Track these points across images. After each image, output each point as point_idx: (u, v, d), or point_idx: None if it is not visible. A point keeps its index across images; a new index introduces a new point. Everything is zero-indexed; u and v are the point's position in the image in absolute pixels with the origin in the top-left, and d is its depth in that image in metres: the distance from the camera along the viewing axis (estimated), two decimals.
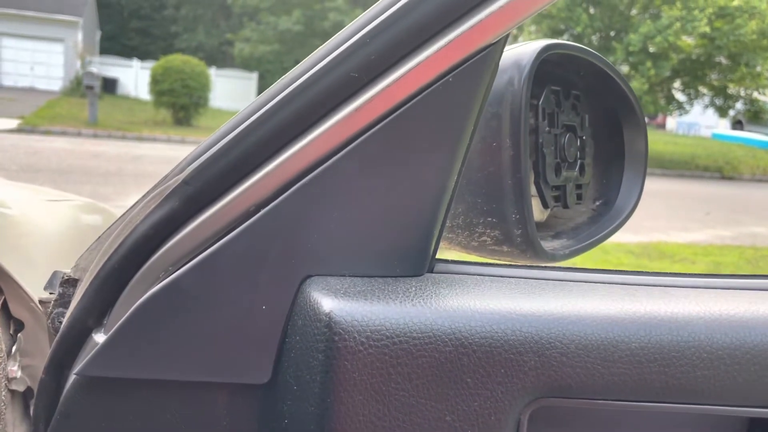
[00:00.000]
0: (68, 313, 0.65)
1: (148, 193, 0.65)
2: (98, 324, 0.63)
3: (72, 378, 0.60)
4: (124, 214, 0.69)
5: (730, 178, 15.97)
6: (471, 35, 0.55)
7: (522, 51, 0.71)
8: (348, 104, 0.56)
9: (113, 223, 0.71)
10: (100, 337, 0.61)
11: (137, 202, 0.66)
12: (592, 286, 0.61)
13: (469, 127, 0.58)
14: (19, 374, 0.86)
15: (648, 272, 0.64)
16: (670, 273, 0.65)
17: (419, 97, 0.55)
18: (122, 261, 0.61)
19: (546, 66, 0.74)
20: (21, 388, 0.86)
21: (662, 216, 8.35)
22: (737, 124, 25.10)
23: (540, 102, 0.78)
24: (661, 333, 0.52)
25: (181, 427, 0.59)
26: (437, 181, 0.58)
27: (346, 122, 0.56)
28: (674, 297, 0.58)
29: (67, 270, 0.74)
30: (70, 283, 0.72)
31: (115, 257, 0.61)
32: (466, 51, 0.55)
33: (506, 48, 0.66)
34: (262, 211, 0.57)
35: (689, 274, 0.65)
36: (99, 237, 0.74)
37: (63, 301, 0.72)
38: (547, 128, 0.80)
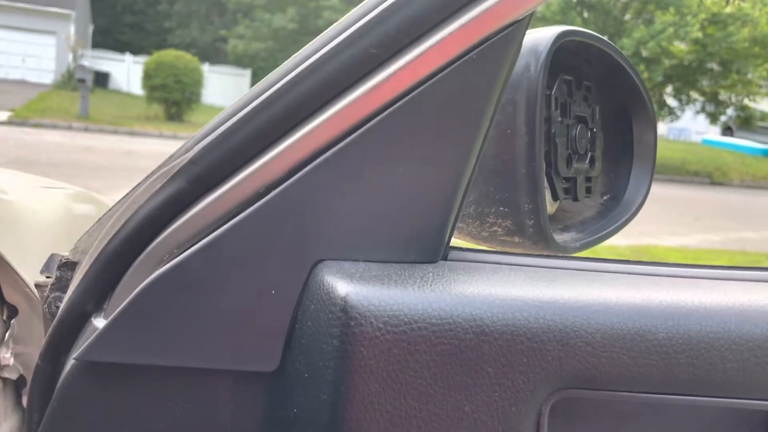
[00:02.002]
0: (66, 296, 0.63)
1: (152, 173, 0.62)
2: (98, 308, 0.61)
3: (70, 363, 0.58)
4: (126, 194, 0.67)
5: (720, 184, 16.05)
6: (496, 10, 0.52)
7: (538, 37, 0.70)
8: (365, 82, 0.54)
9: (114, 204, 0.69)
10: (99, 322, 0.58)
11: (140, 183, 0.64)
12: (614, 276, 0.59)
13: (489, 109, 0.56)
14: (11, 362, 0.83)
15: (669, 263, 0.63)
16: (693, 264, 0.63)
17: (439, 75, 0.53)
18: (125, 243, 0.59)
19: (560, 53, 0.73)
20: (13, 376, 0.84)
21: (652, 220, 8.36)
22: (727, 131, 25.27)
23: (553, 91, 0.76)
24: (690, 323, 0.50)
25: (183, 414, 0.57)
26: (455, 165, 0.56)
27: (363, 101, 0.53)
28: (701, 287, 0.56)
29: (65, 253, 0.72)
30: (69, 266, 0.70)
31: (117, 239, 0.59)
32: (490, 27, 0.53)
33: None
34: (273, 193, 0.54)
35: (713, 265, 0.63)
36: (99, 219, 0.71)
37: (60, 285, 0.69)
38: (560, 118, 0.78)
